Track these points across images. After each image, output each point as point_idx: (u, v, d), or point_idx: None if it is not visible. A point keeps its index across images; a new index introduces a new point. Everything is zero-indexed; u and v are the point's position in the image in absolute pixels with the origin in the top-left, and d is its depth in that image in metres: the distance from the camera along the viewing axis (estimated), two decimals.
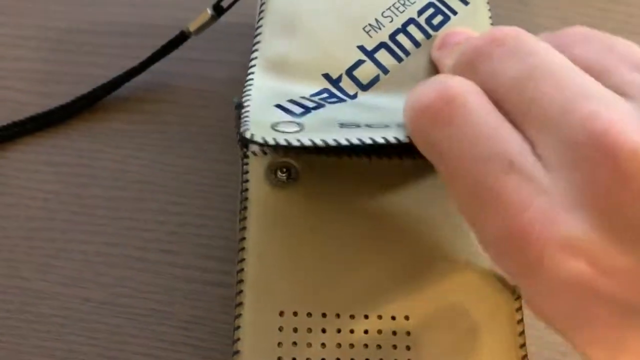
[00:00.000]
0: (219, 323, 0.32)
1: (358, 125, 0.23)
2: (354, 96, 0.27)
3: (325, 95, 0.27)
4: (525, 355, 0.25)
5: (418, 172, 0.27)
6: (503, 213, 0.18)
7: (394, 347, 0.25)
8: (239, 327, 0.25)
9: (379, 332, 0.25)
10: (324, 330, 0.25)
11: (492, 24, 0.30)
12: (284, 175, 0.27)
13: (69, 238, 0.35)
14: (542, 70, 0.19)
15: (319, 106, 0.25)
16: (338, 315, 0.25)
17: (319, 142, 0.22)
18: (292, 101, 0.25)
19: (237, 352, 0.25)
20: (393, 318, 0.25)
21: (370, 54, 0.28)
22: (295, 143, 0.22)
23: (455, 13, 0.29)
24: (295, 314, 0.25)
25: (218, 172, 0.37)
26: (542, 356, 0.32)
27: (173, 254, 0.34)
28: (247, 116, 0.24)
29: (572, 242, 0.17)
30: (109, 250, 0.34)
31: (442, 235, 0.26)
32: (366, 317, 0.25)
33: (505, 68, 0.20)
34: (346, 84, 0.27)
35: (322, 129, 0.23)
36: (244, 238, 0.26)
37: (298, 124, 0.23)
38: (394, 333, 0.25)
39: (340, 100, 0.27)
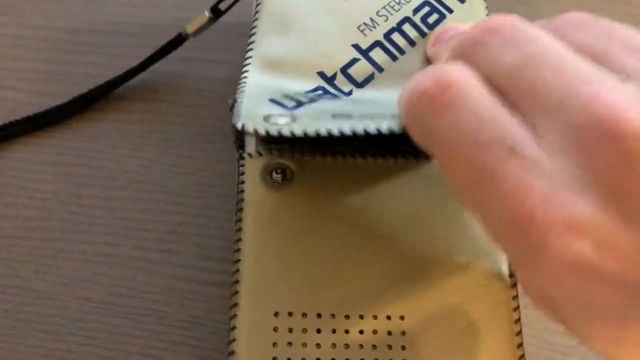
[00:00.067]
0: (218, 323, 0.32)
1: (351, 116, 0.23)
2: (349, 93, 0.27)
3: (319, 92, 0.27)
4: (523, 355, 0.25)
5: (413, 172, 0.27)
6: (505, 198, 0.18)
7: (389, 347, 0.25)
8: (234, 327, 0.25)
9: (374, 332, 0.25)
10: (319, 331, 0.25)
11: None
12: (279, 176, 0.27)
13: (68, 238, 0.35)
14: (540, 57, 0.19)
15: (312, 101, 0.25)
16: (333, 316, 0.25)
17: (310, 133, 0.22)
18: (286, 96, 0.25)
19: (232, 353, 0.25)
20: (388, 318, 0.25)
21: (365, 53, 0.28)
22: (287, 133, 0.22)
23: (451, 11, 0.29)
24: (290, 314, 0.25)
25: (218, 172, 0.37)
26: (541, 356, 0.32)
27: (172, 253, 0.34)
28: (239, 109, 0.24)
29: (578, 223, 0.17)
30: (108, 250, 0.34)
31: (437, 236, 0.26)
32: (361, 317, 0.25)
33: (503, 56, 0.19)
34: (341, 81, 0.27)
35: (315, 120, 0.23)
36: (239, 239, 0.26)
37: (291, 115, 0.23)
38: (389, 333, 0.25)
39: (335, 96, 0.27)
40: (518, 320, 0.26)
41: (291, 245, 0.26)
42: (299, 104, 0.25)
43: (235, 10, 0.36)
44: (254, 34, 0.29)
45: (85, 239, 0.35)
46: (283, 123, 0.23)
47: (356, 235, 0.26)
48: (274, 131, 0.22)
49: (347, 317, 0.25)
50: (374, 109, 0.25)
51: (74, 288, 0.33)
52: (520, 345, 0.25)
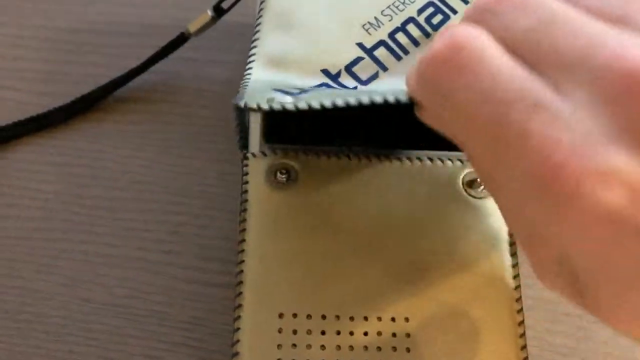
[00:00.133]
0: (219, 324, 0.32)
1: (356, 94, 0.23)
2: (354, 89, 0.27)
3: (323, 88, 0.27)
4: (526, 358, 0.25)
5: (417, 173, 0.27)
6: (533, 152, 0.17)
7: (394, 349, 0.25)
8: (238, 328, 0.25)
9: (379, 333, 0.25)
10: (323, 332, 0.25)
11: None
12: (283, 176, 0.27)
13: (69, 238, 0.35)
14: (555, 20, 0.19)
15: (317, 90, 0.25)
16: (338, 317, 0.25)
17: (315, 105, 0.22)
18: (290, 87, 0.25)
19: (236, 354, 0.24)
20: (393, 320, 0.25)
21: (369, 52, 0.28)
22: (291, 107, 0.22)
23: (455, 12, 0.29)
24: (294, 315, 0.25)
25: (218, 172, 0.36)
26: (543, 358, 0.32)
27: (173, 254, 0.34)
28: (242, 92, 0.24)
29: (611, 172, 0.16)
30: (109, 250, 0.34)
31: (441, 237, 0.26)
32: (366, 318, 0.25)
33: (517, 21, 0.19)
34: (345, 79, 0.27)
35: (319, 97, 0.23)
36: (243, 240, 0.26)
37: (295, 98, 0.23)
38: (394, 335, 0.25)
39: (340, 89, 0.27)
40: (522, 322, 0.26)
41: (295, 246, 0.26)
42: (303, 91, 0.25)
43: (236, 10, 0.36)
44: (257, 31, 0.29)
45: (87, 240, 0.34)
46: (287, 102, 0.23)
47: (361, 236, 0.26)
48: (277, 106, 0.22)
49: (351, 318, 0.25)
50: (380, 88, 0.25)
51: (75, 289, 0.33)
52: (524, 347, 0.25)
